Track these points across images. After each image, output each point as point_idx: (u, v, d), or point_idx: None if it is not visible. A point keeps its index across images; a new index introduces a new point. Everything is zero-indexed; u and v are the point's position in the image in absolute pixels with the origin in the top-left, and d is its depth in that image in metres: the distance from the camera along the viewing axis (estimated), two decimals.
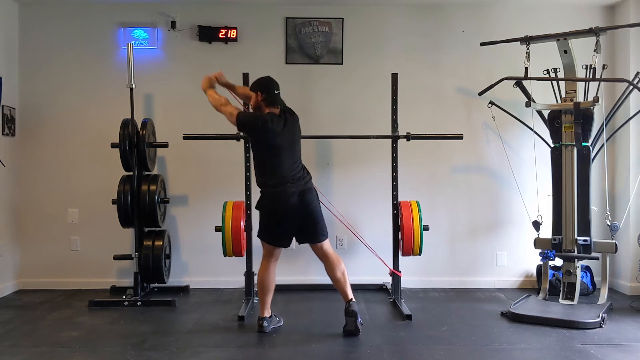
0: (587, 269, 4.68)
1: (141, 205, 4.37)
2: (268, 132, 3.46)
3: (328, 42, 4.90)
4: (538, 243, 4.40)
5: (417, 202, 4.26)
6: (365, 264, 4.63)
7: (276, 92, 3.56)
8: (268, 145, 3.50)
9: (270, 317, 3.62)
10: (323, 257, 3.61)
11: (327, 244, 3.61)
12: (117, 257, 4.52)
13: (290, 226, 3.55)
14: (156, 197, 4.41)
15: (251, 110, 3.71)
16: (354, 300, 3.55)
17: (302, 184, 3.52)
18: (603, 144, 4.48)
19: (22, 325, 3.78)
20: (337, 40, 4.90)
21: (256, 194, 4.14)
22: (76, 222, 4.88)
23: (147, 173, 4.57)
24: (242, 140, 4.29)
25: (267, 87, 3.55)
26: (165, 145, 4.57)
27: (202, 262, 4.87)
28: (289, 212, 3.49)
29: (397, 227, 4.29)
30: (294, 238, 3.64)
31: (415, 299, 4.47)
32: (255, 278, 4.29)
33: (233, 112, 3.51)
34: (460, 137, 4.40)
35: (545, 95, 4.57)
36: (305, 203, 3.51)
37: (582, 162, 4.24)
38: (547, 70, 4.54)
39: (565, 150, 4.28)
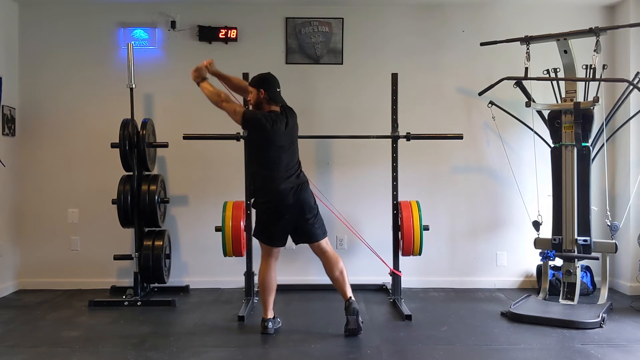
0: (587, 269, 4.68)
1: (141, 205, 4.37)
2: (274, 133, 3.41)
3: (328, 42, 4.90)
4: (538, 243, 4.40)
5: (417, 202, 4.26)
6: (365, 264, 4.62)
7: (278, 89, 3.51)
8: (272, 144, 3.44)
9: (274, 317, 3.62)
10: (321, 254, 3.58)
11: (324, 243, 3.57)
12: (117, 257, 4.52)
13: (286, 224, 3.51)
14: (156, 197, 4.41)
15: (250, 107, 3.59)
16: (353, 298, 3.52)
17: (297, 180, 3.49)
18: (603, 144, 4.48)
19: (22, 325, 3.78)
20: (337, 40, 4.89)
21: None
22: (76, 222, 4.88)
23: (147, 173, 4.57)
24: (242, 140, 4.29)
25: (270, 83, 3.48)
26: (165, 145, 4.56)
27: (202, 262, 4.87)
28: (284, 209, 3.46)
29: (397, 227, 4.29)
30: (289, 238, 3.61)
31: (415, 299, 4.47)
32: (256, 278, 4.30)
33: (238, 110, 3.43)
34: (460, 137, 4.40)
35: (545, 95, 4.58)
36: (301, 200, 3.47)
37: (582, 162, 4.24)
38: (547, 70, 4.54)
39: (565, 150, 4.28)
